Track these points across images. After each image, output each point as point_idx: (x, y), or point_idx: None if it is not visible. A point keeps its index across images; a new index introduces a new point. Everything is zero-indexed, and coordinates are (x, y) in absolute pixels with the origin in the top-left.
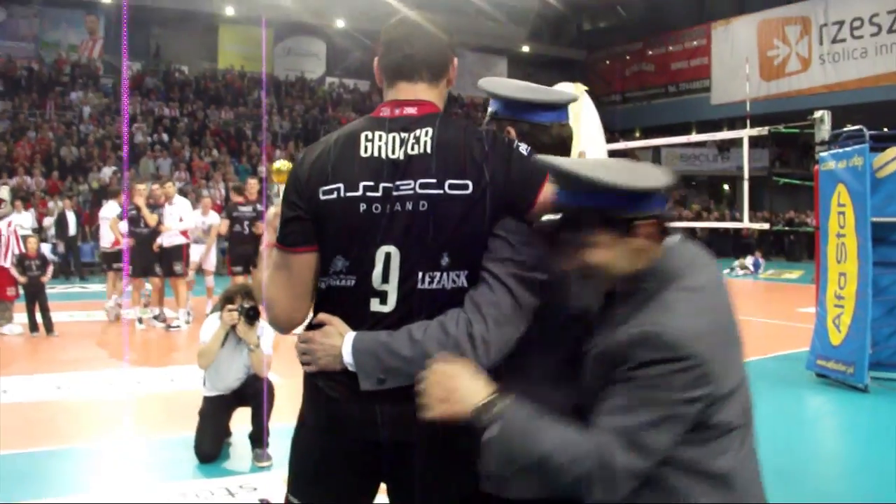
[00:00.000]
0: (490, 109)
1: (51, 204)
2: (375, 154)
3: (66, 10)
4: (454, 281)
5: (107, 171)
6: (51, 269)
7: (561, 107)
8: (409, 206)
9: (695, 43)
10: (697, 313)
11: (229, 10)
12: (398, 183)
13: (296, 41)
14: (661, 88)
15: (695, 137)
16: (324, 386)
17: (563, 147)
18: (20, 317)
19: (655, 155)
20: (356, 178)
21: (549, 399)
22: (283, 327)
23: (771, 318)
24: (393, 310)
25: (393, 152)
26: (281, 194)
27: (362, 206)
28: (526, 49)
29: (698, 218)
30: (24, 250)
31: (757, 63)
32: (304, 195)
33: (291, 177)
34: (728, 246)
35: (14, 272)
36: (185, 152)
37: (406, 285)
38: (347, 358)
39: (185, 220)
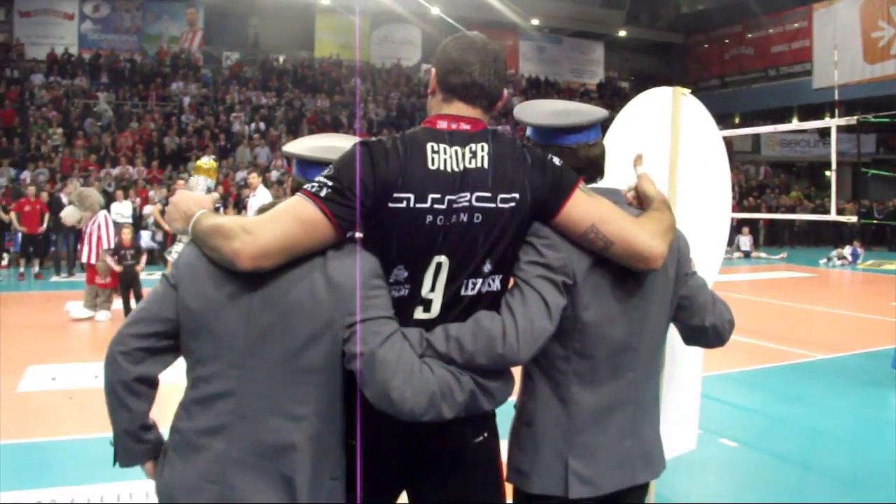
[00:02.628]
0: (526, 133)
1: (151, 192)
2: (442, 167)
3: (167, 3)
4: (489, 285)
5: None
6: (144, 258)
7: (585, 128)
8: (464, 217)
9: (796, 25)
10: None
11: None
12: (456, 196)
13: (392, 29)
14: (761, 72)
15: (781, 127)
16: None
17: (592, 167)
18: (118, 303)
19: (755, 141)
20: (425, 189)
21: None
22: (235, 262)
23: (862, 312)
24: (436, 317)
25: (456, 165)
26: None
27: (428, 218)
28: (623, 33)
29: (798, 205)
30: (111, 245)
31: (860, 45)
32: (371, 194)
33: (362, 168)
34: (829, 234)
35: (110, 262)
36: (283, 141)
37: (450, 292)
38: None
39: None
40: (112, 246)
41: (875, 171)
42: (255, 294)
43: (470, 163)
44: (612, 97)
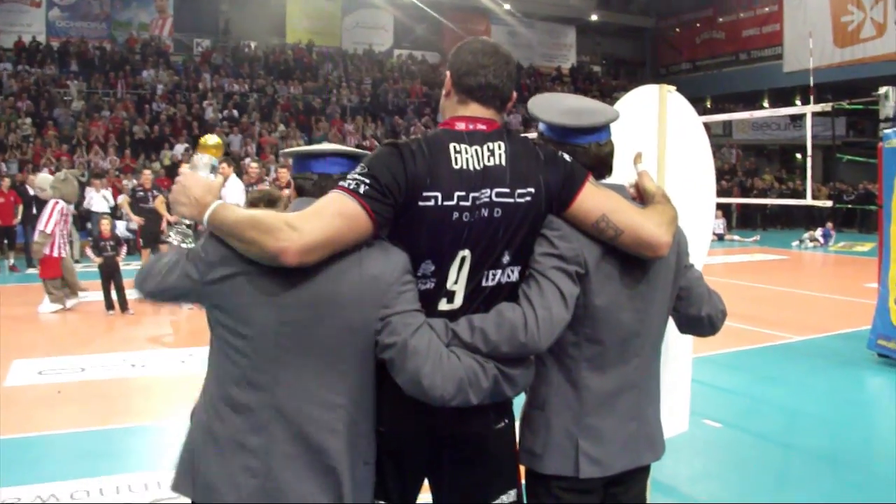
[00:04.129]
0: (539, 128)
1: (125, 182)
2: (465, 166)
3: None
4: (509, 276)
5: (179, 148)
6: (124, 248)
7: (599, 129)
8: (485, 212)
9: (766, 9)
10: None
11: None
12: (478, 193)
13: (363, 14)
14: (732, 56)
15: (758, 113)
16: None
17: (603, 165)
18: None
19: (726, 124)
20: (452, 188)
21: None
22: (280, 258)
23: (836, 294)
24: (459, 308)
25: (477, 163)
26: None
27: (454, 215)
28: (594, 17)
29: (770, 188)
30: (46, 229)
31: (830, 29)
32: (403, 192)
33: (393, 168)
34: (800, 216)
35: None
36: (255, 128)
37: (472, 284)
38: None
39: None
40: (48, 230)
41: (850, 157)
42: (287, 289)
43: (489, 161)
44: (585, 81)
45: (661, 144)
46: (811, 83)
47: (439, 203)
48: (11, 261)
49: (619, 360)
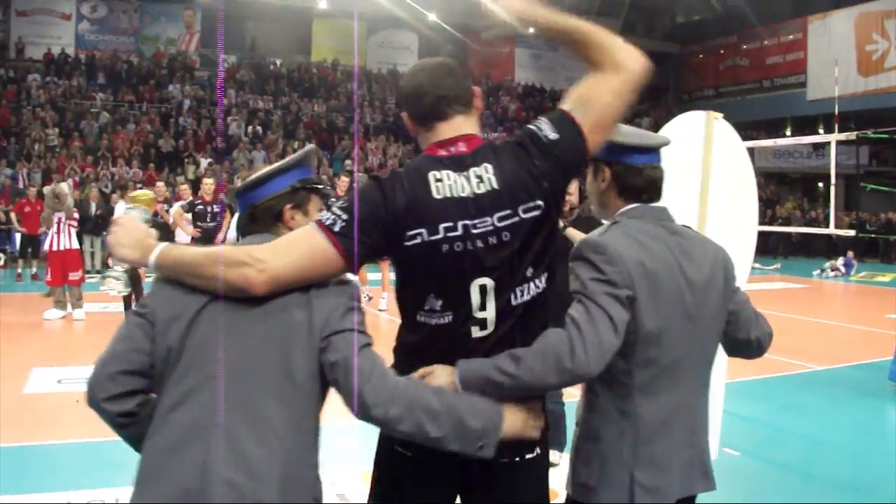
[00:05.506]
0: None
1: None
2: (448, 194)
3: (164, 5)
4: (537, 286)
5: (203, 163)
6: None
7: (654, 150)
8: (492, 240)
9: (791, 37)
10: None
11: (323, 4)
12: (475, 221)
13: (388, 34)
14: (756, 83)
15: (782, 141)
16: None
17: (654, 187)
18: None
19: (748, 152)
20: (435, 221)
21: None
22: (248, 289)
23: (858, 324)
24: (493, 331)
25: (463, 191)
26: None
27: (444, 247)
28: None
29: (791, 217)
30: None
31: (854, 58)
32: (383, 228)
33: (373, 203)
34: (821, 245)
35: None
36: (279, 145)
37: (500, 305)
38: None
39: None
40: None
41: (874, 186)
42: (230, 309)
43: (478, 188)
44: None
45: (705, 170)
46: (836, 111)
47: (425, 239)
48: (34, 269)
49: (672, 385)
